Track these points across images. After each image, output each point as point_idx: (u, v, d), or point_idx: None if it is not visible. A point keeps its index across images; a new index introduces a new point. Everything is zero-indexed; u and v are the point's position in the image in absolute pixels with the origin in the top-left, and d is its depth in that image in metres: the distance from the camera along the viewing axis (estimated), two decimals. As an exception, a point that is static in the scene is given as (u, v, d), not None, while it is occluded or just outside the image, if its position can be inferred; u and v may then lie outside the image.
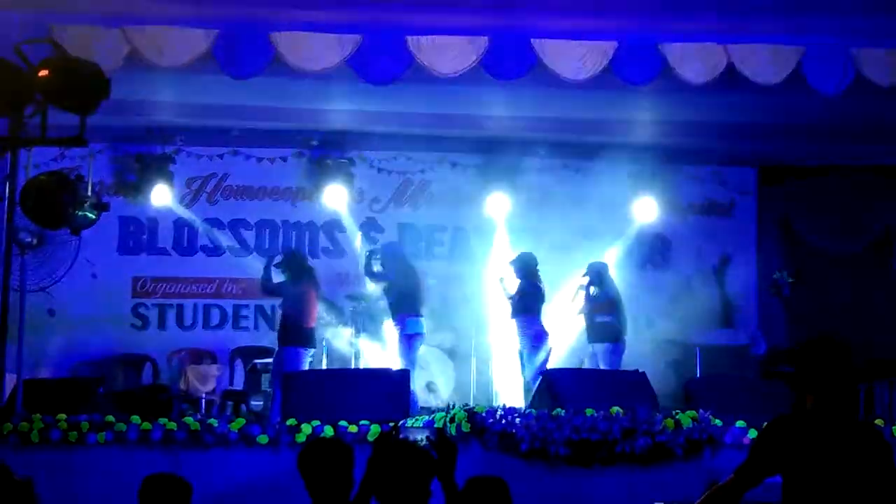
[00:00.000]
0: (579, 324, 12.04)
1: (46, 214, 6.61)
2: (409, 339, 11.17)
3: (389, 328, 11.65)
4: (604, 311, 11.80)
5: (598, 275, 11.97)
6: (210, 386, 12.05)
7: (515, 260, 11.85)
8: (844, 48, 10.12)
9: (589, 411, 9.23)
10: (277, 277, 11.25)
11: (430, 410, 10.91)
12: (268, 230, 13.63)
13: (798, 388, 4.47)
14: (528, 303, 11.50)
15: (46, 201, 6.48)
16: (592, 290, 11.94)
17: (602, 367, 11.54)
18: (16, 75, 5.79)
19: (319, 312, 11.38)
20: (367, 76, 10.14)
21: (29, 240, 10.20)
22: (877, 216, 14.00)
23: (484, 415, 9.21)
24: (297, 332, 10.92)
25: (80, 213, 7.61)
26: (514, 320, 11.57)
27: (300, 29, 9.93)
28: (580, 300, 11.98)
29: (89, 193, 8.11)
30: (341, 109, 11.88)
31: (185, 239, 13.57)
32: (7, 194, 6.19)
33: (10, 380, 9.96)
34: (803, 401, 4.42)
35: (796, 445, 4.33)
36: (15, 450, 8.81)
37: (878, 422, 9.55)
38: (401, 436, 4.78)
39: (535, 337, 11.35)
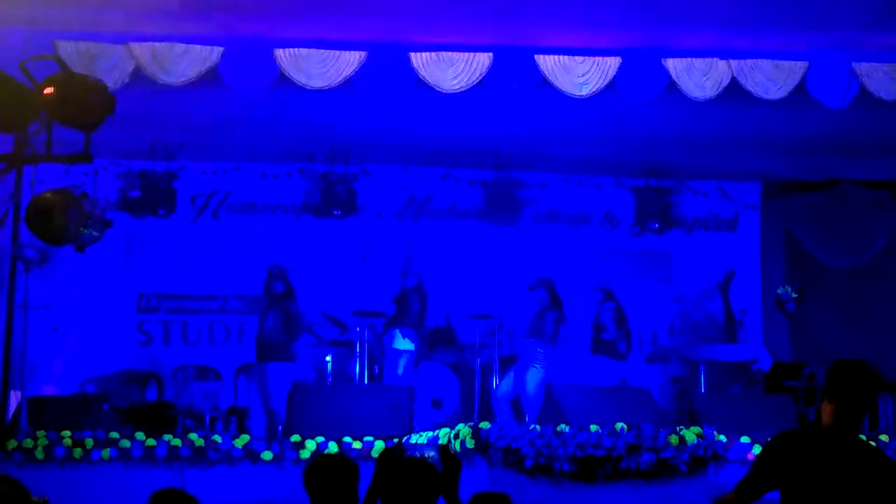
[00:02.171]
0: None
1: (51, 231, 6.59)
2: (397, 354, 11.25)
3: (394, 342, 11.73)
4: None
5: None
6: (214, 402, 12.03)
7: (539, 285, 11.70)
8: (848, 62, 10.12)
9: (593, 427, 9.22)
10: None
11: (434, 426, 10.89)
12: (272, 246, 13.63)
13: (810, 400, 4.57)
14: (548, 329, 11.40)
15: (51, 218, 6.48)
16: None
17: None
18: (21, 92, 5.80)
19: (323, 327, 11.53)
20: (371, 92, 10.16)
21: (34, 256, 10.20)
22: (881, 230, 13.96)
23: (488, 431, 9.20)
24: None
25: (84, 231, 7.60)
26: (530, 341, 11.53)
27: (304, 46, 9.95)
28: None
29: (94, 210, 8.10)
30: (345, 125, 11.89)
31: (189, 255, 13.57)
32: (12, 211, 6.20)
33: (15, 396, 9.98)
34: (807, 415, 4.49)
35: (797, 461, 4.36)
36: (19, 466, 8.81)
37: (883, 437, 9.53)
38: (405, 452, 4.77)
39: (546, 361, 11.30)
